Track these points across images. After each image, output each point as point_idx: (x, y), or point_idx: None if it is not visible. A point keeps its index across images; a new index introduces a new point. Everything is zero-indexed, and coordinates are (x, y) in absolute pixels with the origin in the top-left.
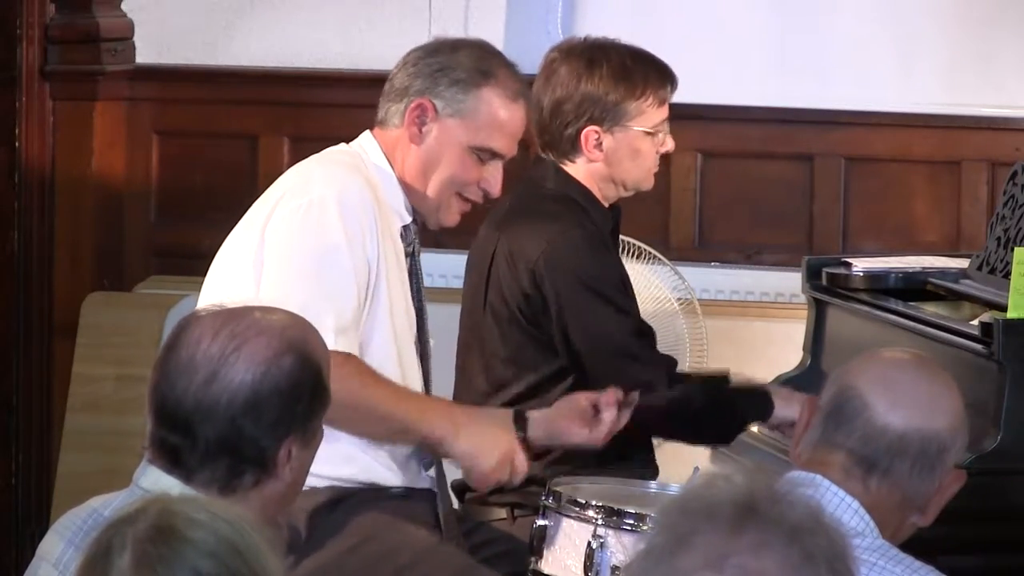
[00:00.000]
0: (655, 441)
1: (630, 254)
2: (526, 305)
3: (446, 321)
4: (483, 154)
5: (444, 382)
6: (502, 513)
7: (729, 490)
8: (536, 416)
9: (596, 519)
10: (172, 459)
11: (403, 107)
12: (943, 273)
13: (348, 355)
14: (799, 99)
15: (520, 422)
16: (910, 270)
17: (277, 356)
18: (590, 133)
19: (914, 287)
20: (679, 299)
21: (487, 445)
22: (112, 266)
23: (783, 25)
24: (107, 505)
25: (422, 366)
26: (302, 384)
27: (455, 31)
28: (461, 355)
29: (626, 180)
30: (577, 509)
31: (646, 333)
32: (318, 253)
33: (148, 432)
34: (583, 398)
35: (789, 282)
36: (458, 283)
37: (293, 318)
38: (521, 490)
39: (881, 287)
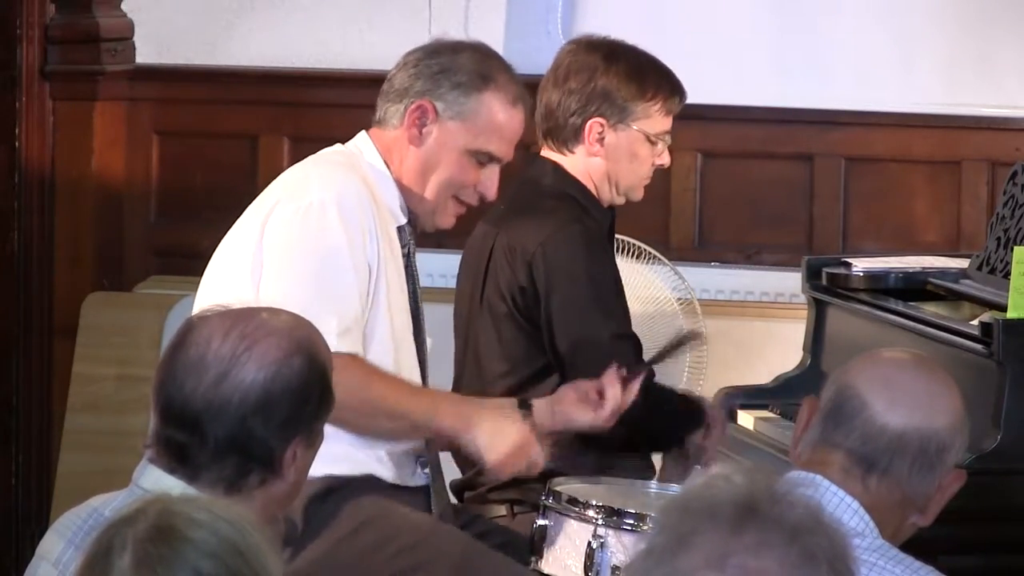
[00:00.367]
0: None
1: (630, 254)
2: (521, 298)
3: (444, 321)
4: (481, 157)
5: (441, 382)
6: (502, 510)
7: (729, 490)
8: (540, 403)
9: (596, 519)
10: (178, 458)
11: (403, 108)
12: (943, 273)
13: (353, 355)
14: (799, 99)
15: (524, 409)
16: (910, 270)
17: (287, 356)
18: (595, 125)
19: (914, 287)
20: (679, 299)
21: (501, 436)
22: (112, 266)
23: (783, 25)
24: (107, 505)
25: (420, 366)
26: (311, 385)
27: (455, 31)
28: (458, 355)
29: (620, 181)
30: (577, 509)
31: (630, 338)
32: (319, 255)
33: (152, 431)
34: (585, 383)
35: (789, 282)
36: None
37: (298, 320)
38: (521, 486)
39: (881, 287)
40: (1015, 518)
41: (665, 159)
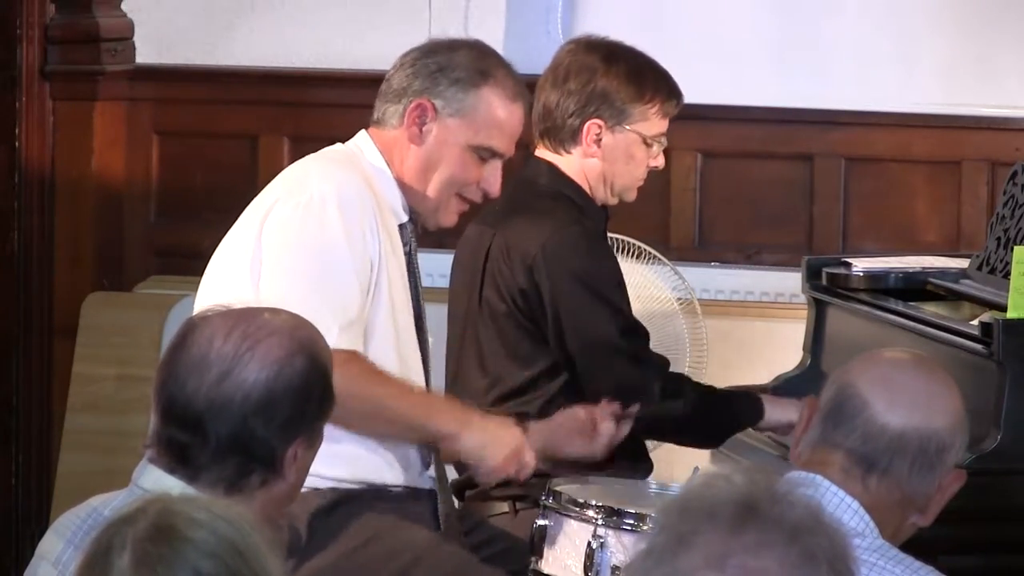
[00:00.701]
0: (649, 444)
1: (630, 254)
2: (523, 300)
3: (444, 321)
4: (483, 153)
5: (441, 381)
6: (504, 507)
7: (729, 490)
8: (535, 427)
9: (596, 519)
10: (179, 457)
11: (402, 108)
12: (943, 273)
13: (352, 352)
14: (799, 99)
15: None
16: (910, 270)
17: (290, 356)
18: (592, 126)
19: (914, 287)
20: (679, 299)
21: (495, 441)
22: (112, 266)
23: (783, 25)
24: (107, 504)
25: (423, 364)
26: (313, 384)
27: (455, 31)
28: (453, 354)
29: (615, 182)
30: (577, 509)
31: (639, 332)
32: (318, 250)
33: (152, 431)
34: (582, 412)
35: (789, 282)
36: None
37: (299, 320)
38: (524, 483)
39: (881, 287)
40: (1015, 518)
41: (660, 161)
